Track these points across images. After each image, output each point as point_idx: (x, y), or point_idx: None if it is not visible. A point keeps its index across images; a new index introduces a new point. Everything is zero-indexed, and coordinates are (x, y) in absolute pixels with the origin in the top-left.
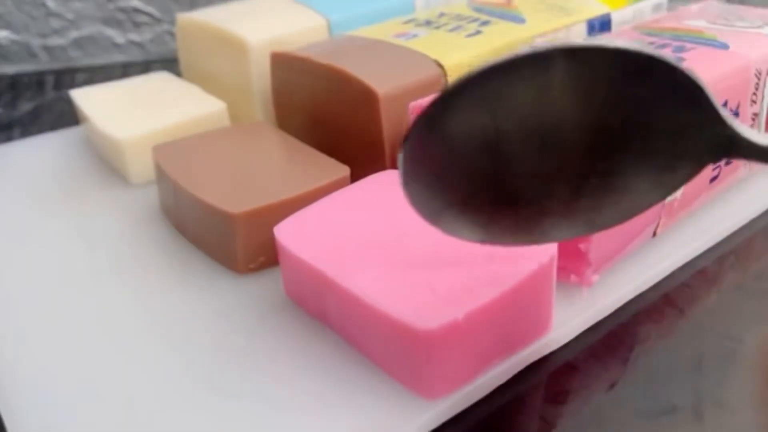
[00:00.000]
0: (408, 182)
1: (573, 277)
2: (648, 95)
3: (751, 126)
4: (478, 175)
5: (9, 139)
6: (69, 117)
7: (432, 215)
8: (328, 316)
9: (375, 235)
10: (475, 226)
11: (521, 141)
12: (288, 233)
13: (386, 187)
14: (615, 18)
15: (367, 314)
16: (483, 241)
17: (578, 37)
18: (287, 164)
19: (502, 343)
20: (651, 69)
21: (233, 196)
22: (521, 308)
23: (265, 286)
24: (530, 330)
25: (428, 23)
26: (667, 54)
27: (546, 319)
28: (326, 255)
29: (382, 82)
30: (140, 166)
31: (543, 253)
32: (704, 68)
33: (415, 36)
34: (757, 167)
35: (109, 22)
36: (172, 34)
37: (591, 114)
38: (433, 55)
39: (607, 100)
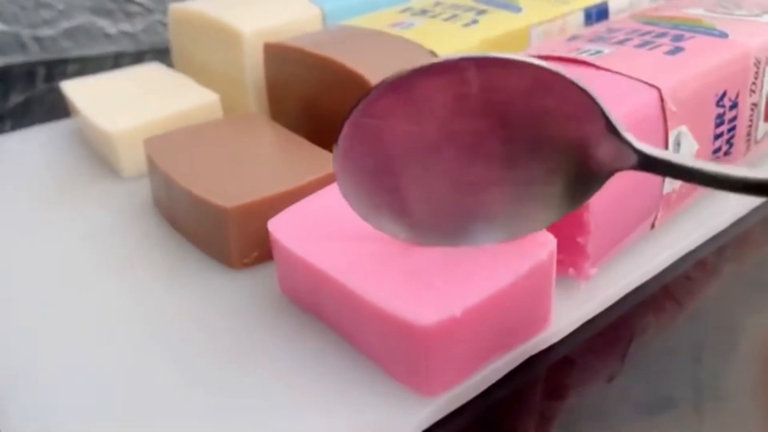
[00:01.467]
0: (342, 180)
1: (571, 271)
2: (553, 109)
3: (750, 116)
4: (404, 178)
5: None
6: (60, 109)
7: (364, 212)
8: (323, 312)
9: (371, 229)
10: (404, 226)
11: (442, 147)
12: (282, 227)
13: None
14: (612, 6)
15: (363, 310)
16: (411, 241)
17: (576, 26)
18: (281, 157)
19: (501, 339)
20: (553, 84)
21: (226, 189)
22: (520, 304)
23: (259, 281)
24: (529, 325)
25: (424, 12)
26: (563, 70)
27: (545, 314)
28: (321, 249)
29: (376, 72)
30: (132, 159)
31: (542, 250)
32: (703, 57)
33: (410, 25)
34: (756, 157)
35: (100, 12)
36: (164, 24)
37: (505, 125)
38: (429, 45)
39: (518, 112)
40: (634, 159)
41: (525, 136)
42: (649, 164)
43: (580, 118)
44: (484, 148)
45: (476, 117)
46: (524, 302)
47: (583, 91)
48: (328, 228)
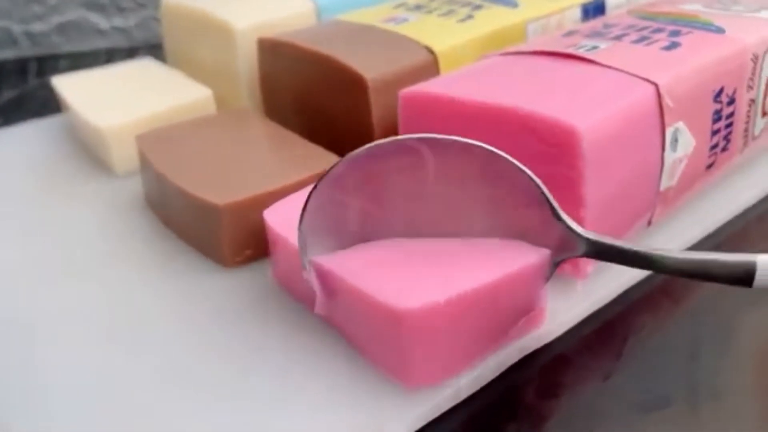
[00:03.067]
0: (305, 227)
1: (567, 268)
2: (503, 193)
3: (748, 112)
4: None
5: None
6: (52, 105)
7: (319, 251)
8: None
9: None
10: None
11: (402, 214)
12: (278, 217)
13: None
14: (609, 2)
15: (349, 295)
16: None
17: (573, 21)
18: (274, 153)
19: (492, 335)
20: (504, 169)
21: (218, 186)
22: (510, 301)
23: (252, 279)
24: (522, 324)
25: (419, 7)
26: (511, 157)
27: (538, 313)
28: None
29: (370, 68)
30: (124, 156)
31: (535, 252)
32: (700, 53)
33: (405, 21)
34: (753, 153)
35: (93, 7)
36: (157, 20)
37: (459, 203)
38: (424, 41)
39: (471, 193)
40: (583, 247)
41: (479, 217)
42: (598, 252)
43: (528, 204)
44: (441, 220)
45: (432, 193)
46: (514, 300)
47: (531, 179)
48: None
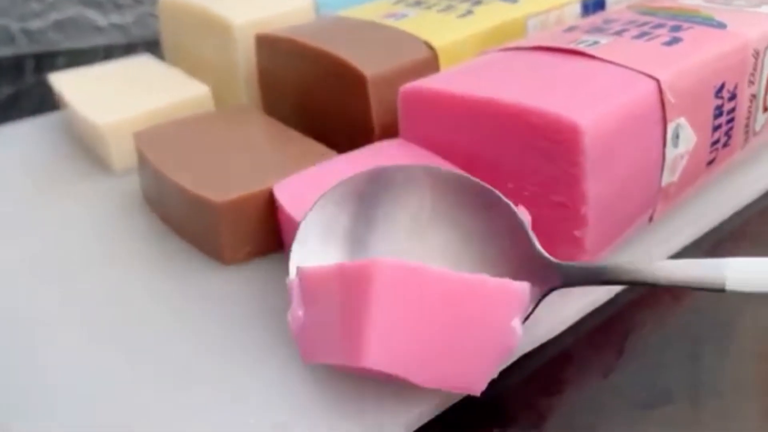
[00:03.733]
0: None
1: None
2: (494, 225)
3: (749, 108)
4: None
5: None
6: (50, 102)
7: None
8: None
9: None
10: None
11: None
12: (287, 193)
13: (389, 153)
14: None
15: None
16: None
17: (573, 16)
18: (273, 150)
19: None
20: (492, 201)
21: (217, 183)
22: (474, 311)
23: (251, 277)
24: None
25: (418, 3)
26: (499, 192)
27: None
28: None
29: (370, 64)
30: (122, 153)
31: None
32: (701, 48)
33: (404, 16)
34: (754, 149)
35: (90, 3)
36: (155, 16)
37: (455, 228)
38: (424, 36)
39: (466, 224)
40: (559, 277)
41: (467, 253)
42: (574, 277)
43: (511, 235)
44: (431, 255)
45: (426, 225)
46: (477, 314)
47: (513, 212)
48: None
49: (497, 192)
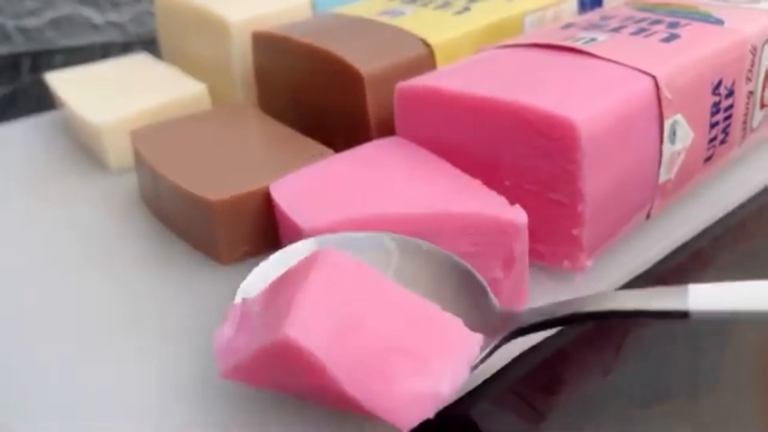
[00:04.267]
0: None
1: (566, 263)
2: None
3: (746, 104)
4: None
5: None
6: (47, 101)
7: None
8: None
9: (371, 198)
10: None
11: None
12: (284, 193)
13: (386, 151)
14: None
15: None
16: None
17: (570, 13)
18: (270, 149)
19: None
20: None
21: (213, 182)
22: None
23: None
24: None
25: (414, 0)
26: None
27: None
28: (318, 215)
29: (366, 61)
30: (119, 152)
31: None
32: (699, 45)
33: (401, 13)
34: (752, 146)
35: (86, 1)
36: (151, 14)
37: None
38: (420, 34)
39: (426, 286)
40: (514, 325)
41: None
42: (530, 325)
43: (470, 296)
44: None
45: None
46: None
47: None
48: (329, 194)
49: (455, 257)
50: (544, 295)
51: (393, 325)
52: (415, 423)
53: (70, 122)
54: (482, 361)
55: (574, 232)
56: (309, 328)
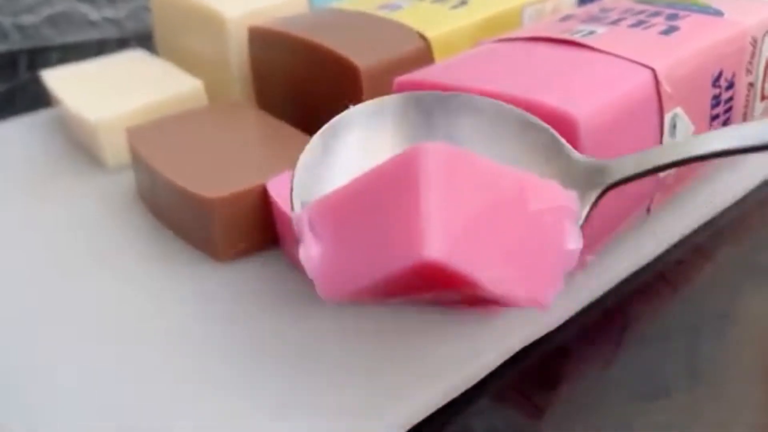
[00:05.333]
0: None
1: None
2: (527, 146)
3: (746, 96)
4: None
5: None
6: (44, 98)
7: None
8: None
9: None
10: None
11: None
12: (281, 190)
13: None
14: None
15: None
16: None
17: (569, 6)
18: (267, 146)
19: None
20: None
21: (210, 180)
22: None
23: (247, 272)
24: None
25: None
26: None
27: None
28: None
29: (363, 55)
30: (116, 149)
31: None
32: (698, 37)
33: (398, 7)
34: None
35: None
36: (148, 10)
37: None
38: (418, 27)
39: (499, 149)
40: (608, 176)
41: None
42: (624, 175)
43: (546, 152)
44: None
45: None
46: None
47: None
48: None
49: (526, 114)
50: None
51: (510, 209)
52: (554, 298)
53: (67, 120)
54: (585, 219)
55: None
56: (448, 244)
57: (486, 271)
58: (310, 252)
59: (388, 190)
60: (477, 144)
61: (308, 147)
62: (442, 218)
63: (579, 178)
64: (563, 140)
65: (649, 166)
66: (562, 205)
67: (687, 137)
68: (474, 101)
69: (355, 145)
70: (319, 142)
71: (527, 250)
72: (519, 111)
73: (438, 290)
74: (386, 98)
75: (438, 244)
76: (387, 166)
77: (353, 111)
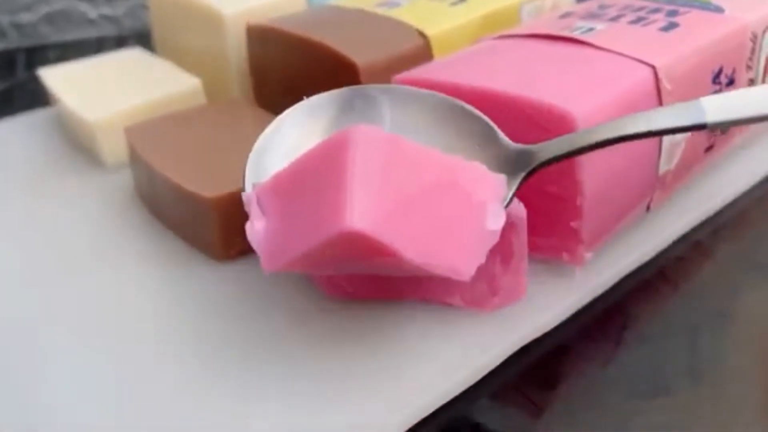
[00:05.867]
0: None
1: (565, 256)
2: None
3: None
4: None
5: None
6: (43, 97)
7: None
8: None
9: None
10: None
11: None
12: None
13: None
14: None
15: None
16: None
17: (568, 2)
18: None
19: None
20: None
21: (209, 178)
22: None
23: (245, 272)
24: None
25: None
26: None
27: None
28: None
29: (361, 53)
30: (114, 148)
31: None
32: (698, 33)
33: (396, 5)
34: (752, 134)
35: None
36: (146, 7)
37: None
38: (416, 25)
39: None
40: (532, 161)
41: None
42: (547, 158)
43: (480, 138)
44: None
45: None
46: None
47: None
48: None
49: (463, 103)
50: (543, 288)
51: (436, 185)
52: (475, 268)
53: (65, 119)
54: (511, 199)
55: (573, 225)
56: (369, 215)
57: (406, 243)
58: (254, 227)
59: (322, 168)
60: (419, 131)
61: (263, 134)
62: (366, 193)
63: (510, 162)
64: (496, 128)
65: (572, 147)
66: (486, 186)
67: (615, 120)
68: (416, 92)
69: (304, 130)
70: (273, 128)
71: (450, 226)
72: (456, 101)
73: (364, 260)
74: (337, 90)
75: (359, 215)
76: (322, 146)
77: (307, 101)
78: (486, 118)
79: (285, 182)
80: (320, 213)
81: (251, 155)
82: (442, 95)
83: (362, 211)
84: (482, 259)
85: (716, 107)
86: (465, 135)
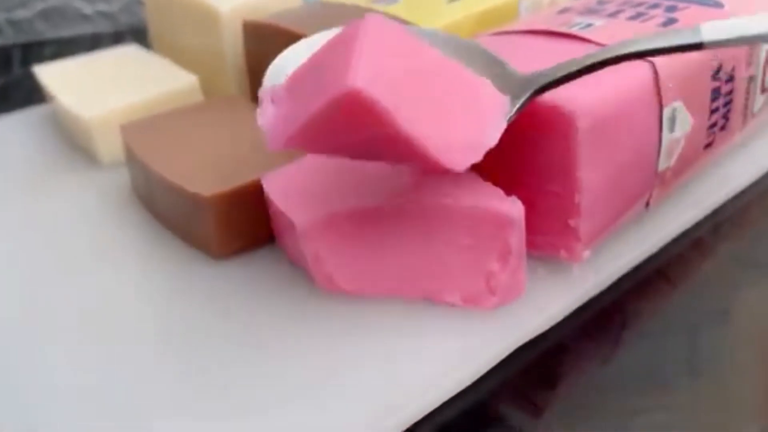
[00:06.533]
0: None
1: (563, 254)
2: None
3: (747, 89)
4: None
5: None
6: (39, 93)
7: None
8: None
9: (361, 191)
10: None
11: None
12: (277, 186)
13: None
14: None
15: None
16: None
17: None
18: (262, 142)
19: None
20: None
21: (206, 177)
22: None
23: (243, 270)
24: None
25: None
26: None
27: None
28: (307, 208)
29: None
30: (110, 146)
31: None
32: None
33: (394, 1)
34: (752, 131)
35: None
36: (141, 3)
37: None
38: (413, 21)
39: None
40: (534, 86)
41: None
42: (547, 83)
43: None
44: None
45: None
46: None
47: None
48: (320, 188)
49: (469, 40)
50: (541, 287)
51: (442, 79)
52: (467, 166)
53: (61, 116)
54: (513, 116)
55: (571, 222)
56: (372, 78)
57: (405, 113)
58: (265, 115)
59: (333, 51)
60: None
61: (294, 45)
62: (373, 63)
63: (513, 86)
64: (502, 58)
65: (570, 69)
66: (492, 100)
67: (608, 46)
68: (427, 29)
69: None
70: (303, 44)
71: (451, 114)
72: (467, 40)
73: (362, 130)
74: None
75: (363, 76)
76: (335, 37)
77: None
78: (492, 51)
79: (298, 76)
80: (325, 81)
81: (276, 60)
82: (452, 34)
83: (366, 75)
84: (477, 157)
85: (713, 28)
86: (475, 61)
